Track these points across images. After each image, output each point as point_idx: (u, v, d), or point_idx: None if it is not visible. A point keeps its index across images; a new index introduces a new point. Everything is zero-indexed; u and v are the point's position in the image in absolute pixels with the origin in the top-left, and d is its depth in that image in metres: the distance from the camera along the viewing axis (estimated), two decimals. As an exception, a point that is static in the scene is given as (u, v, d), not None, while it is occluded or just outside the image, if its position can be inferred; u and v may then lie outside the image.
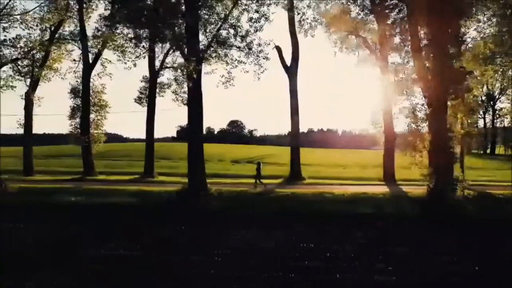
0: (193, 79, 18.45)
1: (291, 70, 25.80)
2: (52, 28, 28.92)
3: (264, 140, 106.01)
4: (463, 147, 23.23)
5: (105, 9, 27.31)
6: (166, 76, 25.43)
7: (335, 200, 18.24)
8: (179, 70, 19.02)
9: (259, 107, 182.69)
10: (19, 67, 29.46)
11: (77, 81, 27.45)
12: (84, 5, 26.77)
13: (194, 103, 18.82)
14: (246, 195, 19.29)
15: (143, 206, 16.93)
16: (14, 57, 29.34)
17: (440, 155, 17.15)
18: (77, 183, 23.14)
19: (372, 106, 40.04)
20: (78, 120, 27.45)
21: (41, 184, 21.74)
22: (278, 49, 25.75)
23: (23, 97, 28.09)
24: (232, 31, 19.03)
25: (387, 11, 22.86)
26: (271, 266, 9.46)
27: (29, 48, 29.15)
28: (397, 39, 23.89)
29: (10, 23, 27.89)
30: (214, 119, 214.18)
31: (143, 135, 30.58)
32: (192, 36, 18.42)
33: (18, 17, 27.76)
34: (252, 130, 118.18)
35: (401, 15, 21.61)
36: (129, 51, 19.91)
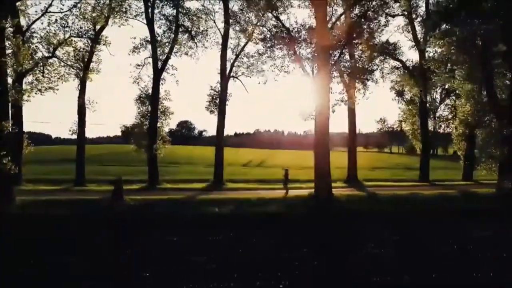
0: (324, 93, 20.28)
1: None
2: (97, 29, 27.37)
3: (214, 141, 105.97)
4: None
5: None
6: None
7: (437, 198, 21.70)
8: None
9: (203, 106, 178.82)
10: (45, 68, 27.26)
11: (145, 87, 26.42)
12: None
13: (323, 114, 20.45)
14: (360, 197, 21.72)
15: (303, 213, 18.14)
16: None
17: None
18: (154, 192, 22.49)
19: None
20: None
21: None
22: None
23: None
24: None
25: None
26: None
27: (55, 47, 27.18)
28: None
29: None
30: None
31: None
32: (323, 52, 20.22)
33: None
34: (202, 131, 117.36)
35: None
36: None
